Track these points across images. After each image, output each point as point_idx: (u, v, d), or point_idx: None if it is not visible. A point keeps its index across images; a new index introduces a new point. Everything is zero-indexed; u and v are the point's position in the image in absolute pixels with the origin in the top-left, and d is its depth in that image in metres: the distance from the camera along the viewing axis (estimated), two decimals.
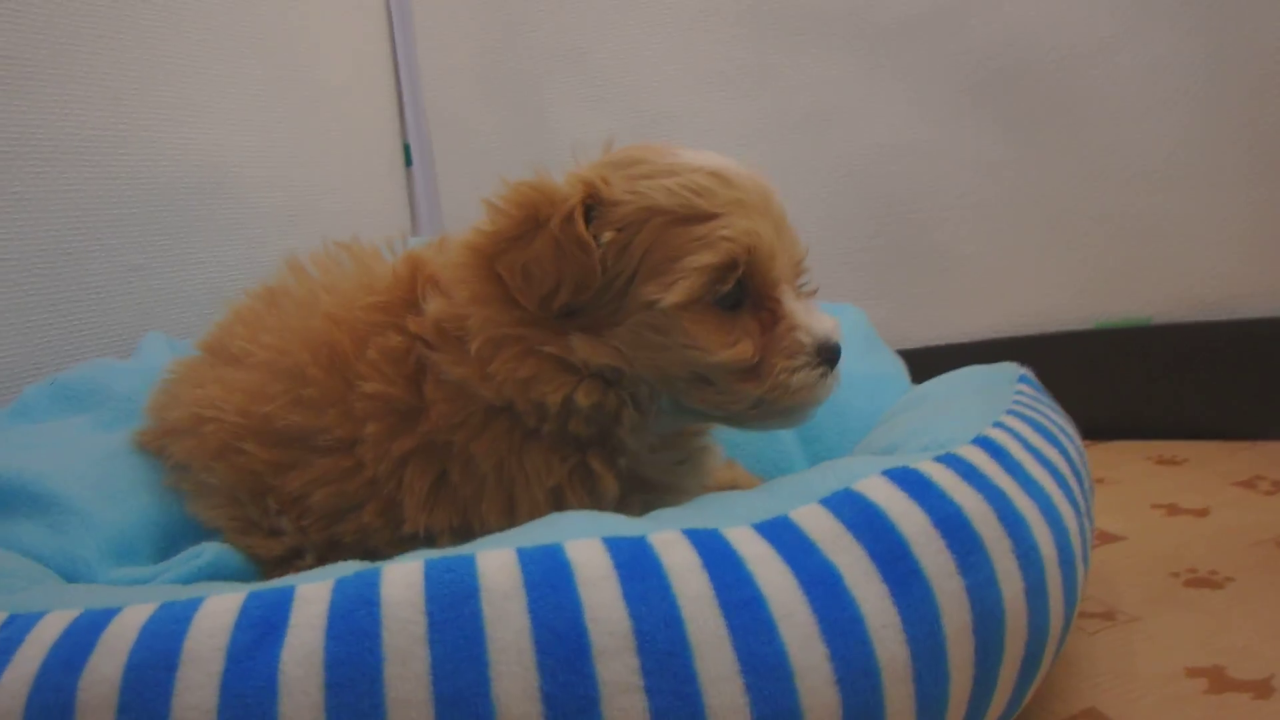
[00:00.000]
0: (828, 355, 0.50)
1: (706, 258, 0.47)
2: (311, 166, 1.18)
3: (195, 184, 0.99)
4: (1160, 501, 0.87)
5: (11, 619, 0.35)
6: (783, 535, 0.39)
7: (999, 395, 0.58)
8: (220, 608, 0.33)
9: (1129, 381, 1.08)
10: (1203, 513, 0.83)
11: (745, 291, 0.50)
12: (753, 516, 0.40)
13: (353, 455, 0.52)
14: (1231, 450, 0.99)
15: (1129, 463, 1.00)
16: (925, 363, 0.92)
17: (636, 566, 0.35)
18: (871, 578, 0.38)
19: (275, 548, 0.52)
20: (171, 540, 0.52)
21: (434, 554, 0.35)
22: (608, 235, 0.48)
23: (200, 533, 0.52)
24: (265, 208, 1.09)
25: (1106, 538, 0.80)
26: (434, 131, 1.39)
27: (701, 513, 0.41)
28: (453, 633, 0.32)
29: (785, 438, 0.68)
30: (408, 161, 1.38)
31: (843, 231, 1.21)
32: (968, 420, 0.52)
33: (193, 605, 0.33)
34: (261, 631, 0.32)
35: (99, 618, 0.34)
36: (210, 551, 0.49)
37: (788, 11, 1.19)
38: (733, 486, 0.61)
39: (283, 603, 0.33)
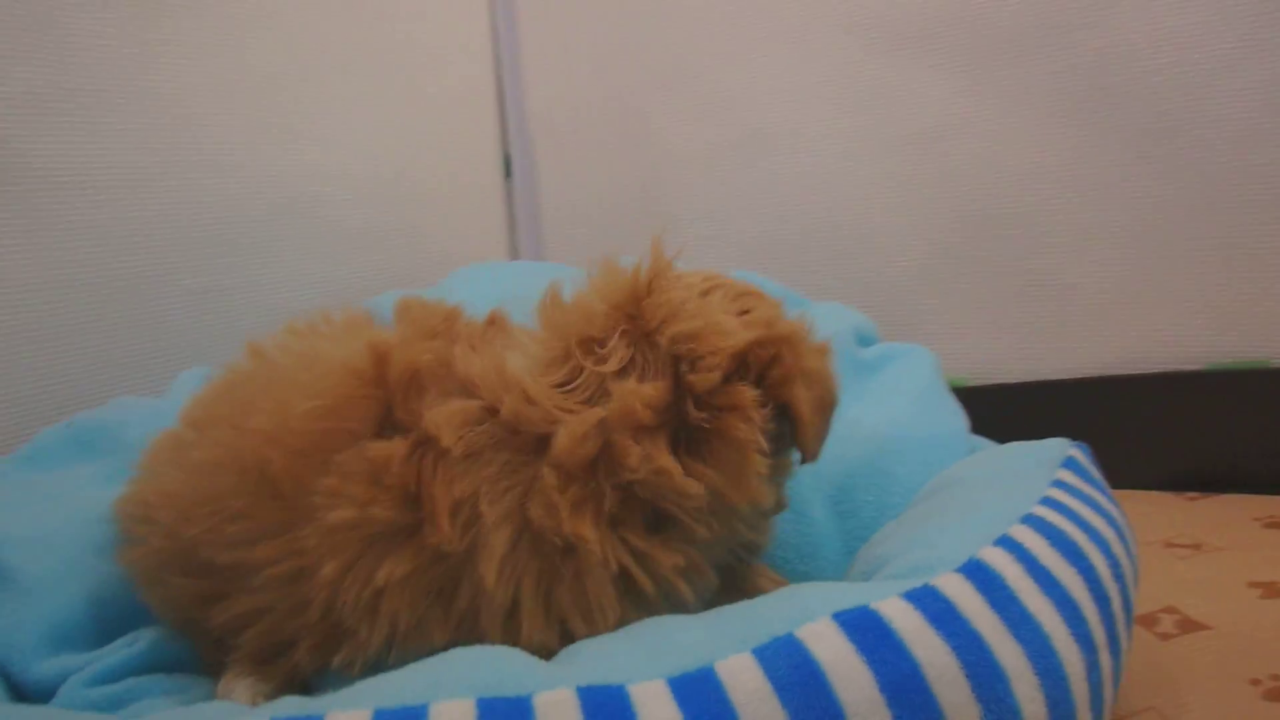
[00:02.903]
0: None
1: None
2: (405, 181, 1.16)
3: (271, 204, 0.99)
4: (1259, 579, 0.76)
5: None
6: (699, 694, 0.34)
7: (1027, 489, 0.51)
8: None
9: (1241, 430, 0.97)
10: None
11: None
12: (678, 663, 0.35)
13: (296, 591, 0.45)
14: None
15: (1233, 525, 0.88)
16: (1018, 400, 0.85)
17: None
18: None
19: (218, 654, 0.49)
20: (123, 619, 0.51)
21: (285, 709, 0.32)
22: None
23: (147, 613, 0.51)
24: (349, 227, 1.08)
25: (1188, 625, 0.70)
26: (536, 143, 1.38)
27: (628, 650, 0.37)
28: None
29: (817, 519, 0.62)
30: (508, 173, 1.36)
31: (941, 256, 1.13)
32: (966, 531, 0.45)
33: None
34: None
35: None
36: (145, 640, 0.48)
37: (891, 26, 1.12)
38: (756, 592, 0.53)
39: None
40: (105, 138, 0.85)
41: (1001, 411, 0.87)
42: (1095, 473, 0.58)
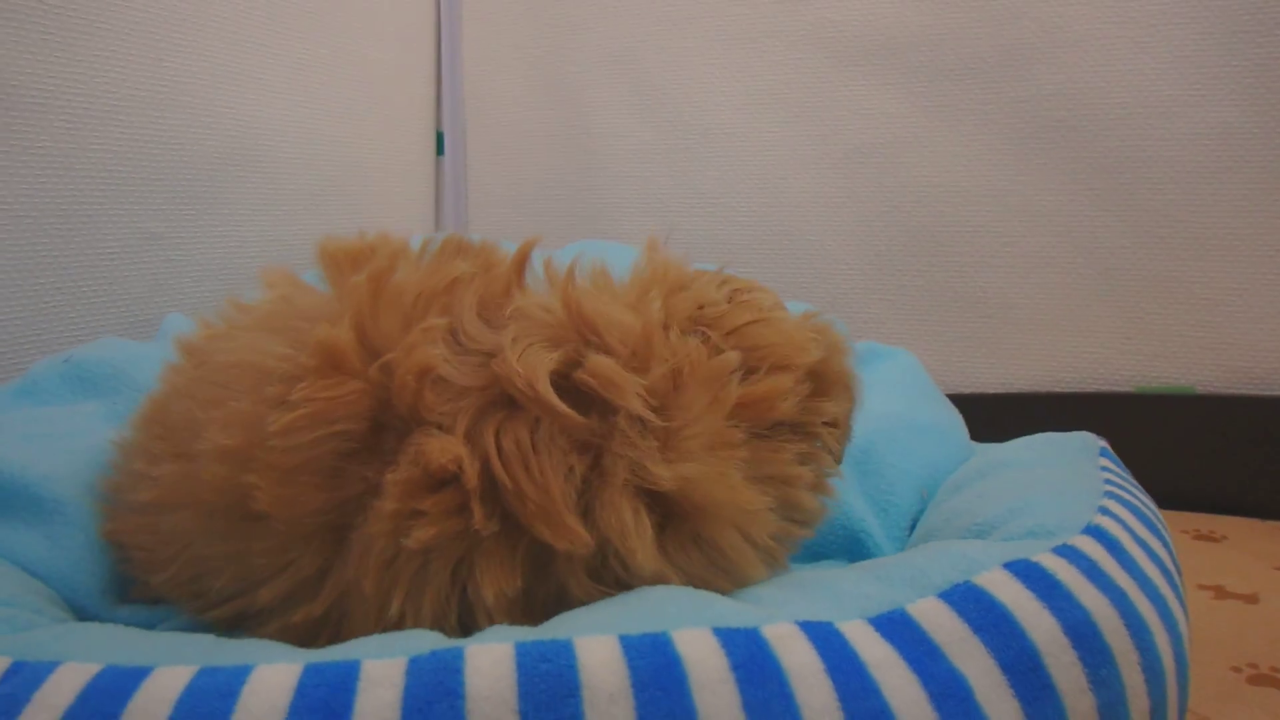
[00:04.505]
0: None
1: None
2: (343, 145, 1.13)
3: (226, 153, 0.94)
4: (1206, 582, 0.83)
5: (16, 668, 0.29)
6: (903, 634, 0.34)
7: (1087, 472, 0.54)
8: (273, 681, 0.28)
9: (1168, 450, 1.05)
10: (1252, 599, 0.79)
11: None
12: (866, 607, 0.35)
13: (328, 627, 0.38)
14: (1271, 531, 0.96)
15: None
16: (962, 411, 0.89)
17: (755, 669, 0.30)
18: (1003, 692, 0.33)
19: None
20: None
21: (520, 634, 0.30)
22: None
23: None
24: (293, 185, 1.04)
25: None
26: (470, 123, 1.34)
27: (807, 597, 0.37)
28: None
29: (851, 501, 0.63)
30: (439, 150, 1.33)
31: (884, 269, 1.17)
32: (1067, 501, 0.48)
33: (239, 676, 0.28)
34: (323, 718, 0.27)
35: (124, 680, 0.28)
36: None
37: (849, 42, 1.15)
38: None
39: (347, 683, 0.28)
40: (80, 61, 0.78)
41: None
42: (1121, 463, 0.62)
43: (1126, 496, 0.51)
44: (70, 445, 0.48)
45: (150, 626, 0.41)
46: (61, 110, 0.77)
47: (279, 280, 0.45)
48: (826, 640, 0.33)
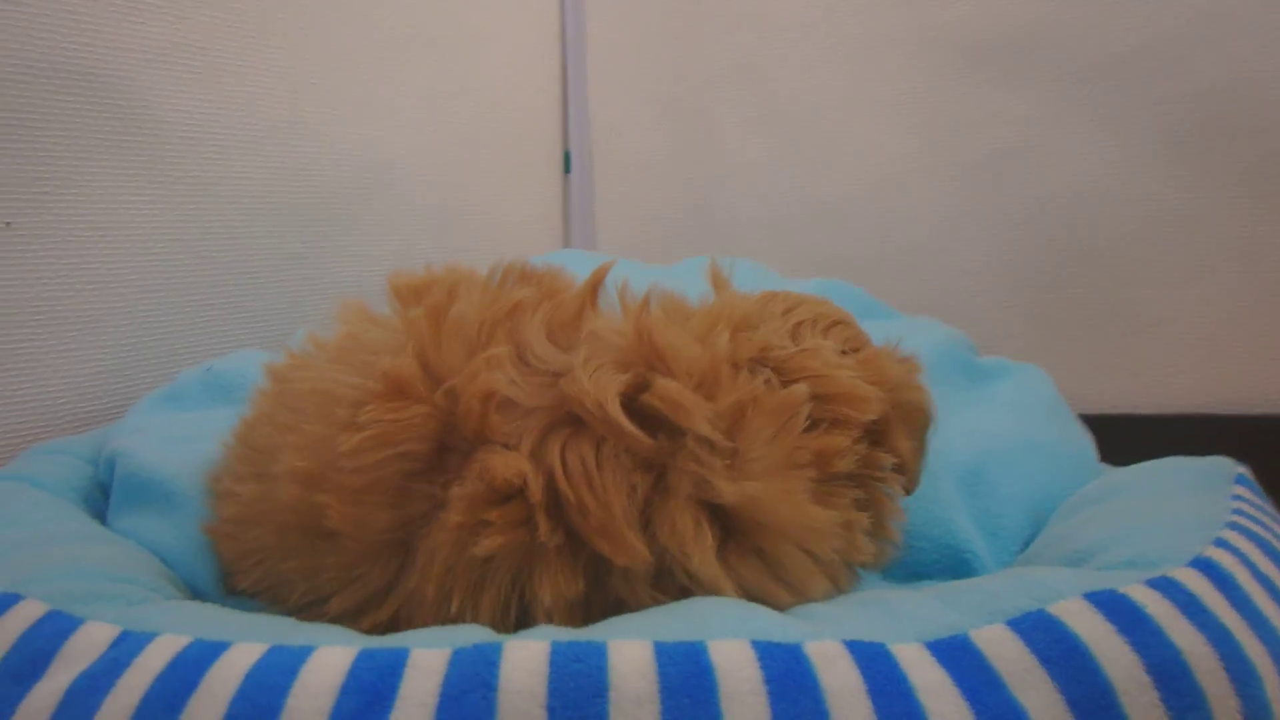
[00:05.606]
0: None
1: None
2: (471, 167, 1.19)
3: (359, 178, 1.01)
4: None
5: (124, 637, 0.33)
6: (961, 661, 0.33)
7: (1214, 500, 0.50)
8: (330, 662, 0.30)
9: None
10: None
11: None
12: (925, 630, 0.34)
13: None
14: None
15: None
16: (1105, 434, 0.83)
17: (790, 684, 0.30)
18: None
19: None
20: None
21: (560, 634, 0.31)
22: None
23: None
24: (423, 206, 1.11)
25: None
26: (596, 141, 1.38)
27: (865, 616, 0.36)
28: None
29: (957, 521, 0.61)
30: (567, 169, 1.37)
31: (1021, 281, 1.11)
32: (1179, 531, 0.44)
33: (302, 655, 0.31)
34: (369, 699, 0.29)
35: (206, 652, 0.31)
36: None
37: (977, 43, 1.10)
38: None
39: (395, 668, 0.30)
40: (222, 98, 0.86)
41: None
42: (1262, 492, 0.56)
43: (1254, 528, 0.47)
44: (200, 448, 0.53)
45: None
46: (208, 142, 0.85)
47: (351, 315, 0.47)
48: (874, 661, 0.32)
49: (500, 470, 0.37)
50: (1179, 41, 1.00)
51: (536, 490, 0.37)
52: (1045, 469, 0.67)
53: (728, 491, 0.38)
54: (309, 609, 0.41)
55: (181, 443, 0.55)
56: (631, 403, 0.39)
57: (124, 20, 0.76)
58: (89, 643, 0.33)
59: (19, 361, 0.69)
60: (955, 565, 0.61)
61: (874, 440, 0.44)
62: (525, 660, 0.29)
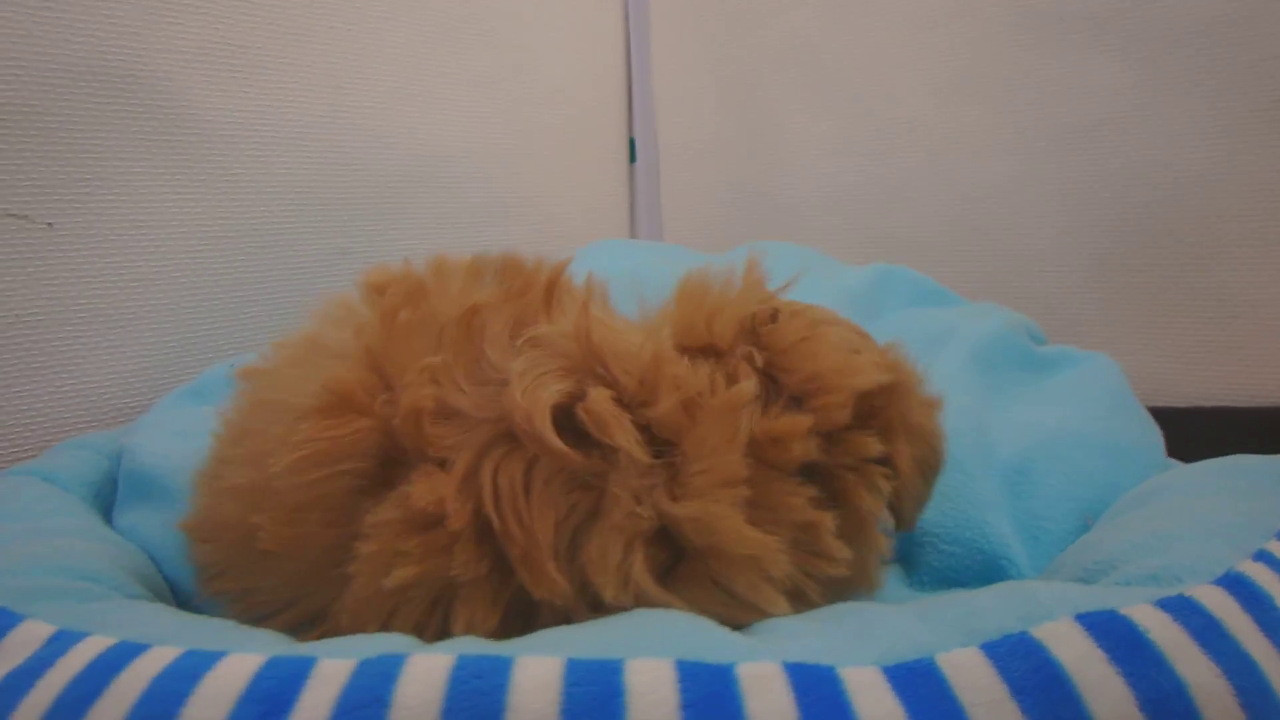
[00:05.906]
0: None
1: None
2: (529, 157, 1.17)
3: (408, 171, 1.01)
4: None
5: (57, 636, 0.33)
6: (919, 689, 0.29)
7: (1269, 503, 0.44)
8: (235, 670, 0.29)
9: None
10: None
11: None
12: (891, 651, 0.31)
13: None
14: None
15: None
16: (1186, 429, 0.76)
17: (709, 709, 0.27)
18: None
19: None
20: None
21: (473, 647, 0.29)
22: None
23: None
24: (477, 199, 1.10)
25: None
26: (660, 128, 1.36)
27: (830, 632, 0.33)
28: None
29: (992, 523, 0.56)
30: (632, 158, 1.35)
31: (1099, 265, 1.04)
32: (1218, 538, 0.39)
33: (209, 661, 0.30)
34: (266, 709, 0.28)
35: (125, 654, 0.31)
36: None
37: (1049, 11, 1.03)
38: None
39: (298, 677, 0.29)
40: (264, 94, 0.88)
41: (1166, 438, 0.79)
42: None
43: None
44: (207, 443, 0.54)
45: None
46: (250, 139, 0.86)
47: (321, 313, 0.46)
48: (816, 686, 0.29)
49: (419, 497, 0.35)
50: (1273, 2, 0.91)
51: (460, 517, 0.35)
52: (1100, 466, 0.62)
53: (666, 512, 0.36)
54: (255, 625, 0.39)
55: (190, 437, 0.55)
56: (569, 416, 0.36)
57: (162, 21, 0.78)
58: (25, 640, 0.33)
59: (63, 358, 0.72)
60: (989, 571, 0.56)
61: (862, 423, 0.40)
62: (425, 674, 0.28)
